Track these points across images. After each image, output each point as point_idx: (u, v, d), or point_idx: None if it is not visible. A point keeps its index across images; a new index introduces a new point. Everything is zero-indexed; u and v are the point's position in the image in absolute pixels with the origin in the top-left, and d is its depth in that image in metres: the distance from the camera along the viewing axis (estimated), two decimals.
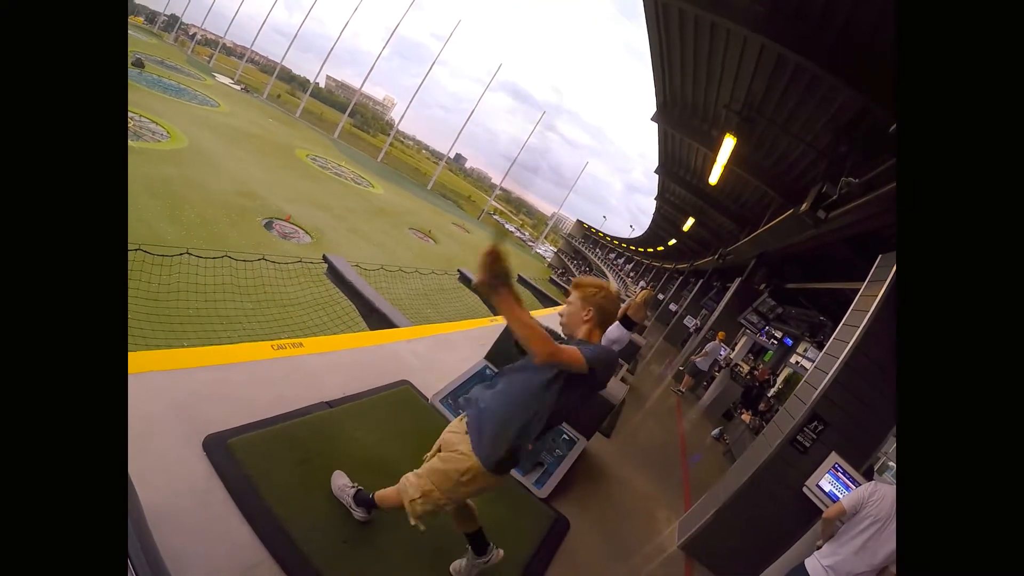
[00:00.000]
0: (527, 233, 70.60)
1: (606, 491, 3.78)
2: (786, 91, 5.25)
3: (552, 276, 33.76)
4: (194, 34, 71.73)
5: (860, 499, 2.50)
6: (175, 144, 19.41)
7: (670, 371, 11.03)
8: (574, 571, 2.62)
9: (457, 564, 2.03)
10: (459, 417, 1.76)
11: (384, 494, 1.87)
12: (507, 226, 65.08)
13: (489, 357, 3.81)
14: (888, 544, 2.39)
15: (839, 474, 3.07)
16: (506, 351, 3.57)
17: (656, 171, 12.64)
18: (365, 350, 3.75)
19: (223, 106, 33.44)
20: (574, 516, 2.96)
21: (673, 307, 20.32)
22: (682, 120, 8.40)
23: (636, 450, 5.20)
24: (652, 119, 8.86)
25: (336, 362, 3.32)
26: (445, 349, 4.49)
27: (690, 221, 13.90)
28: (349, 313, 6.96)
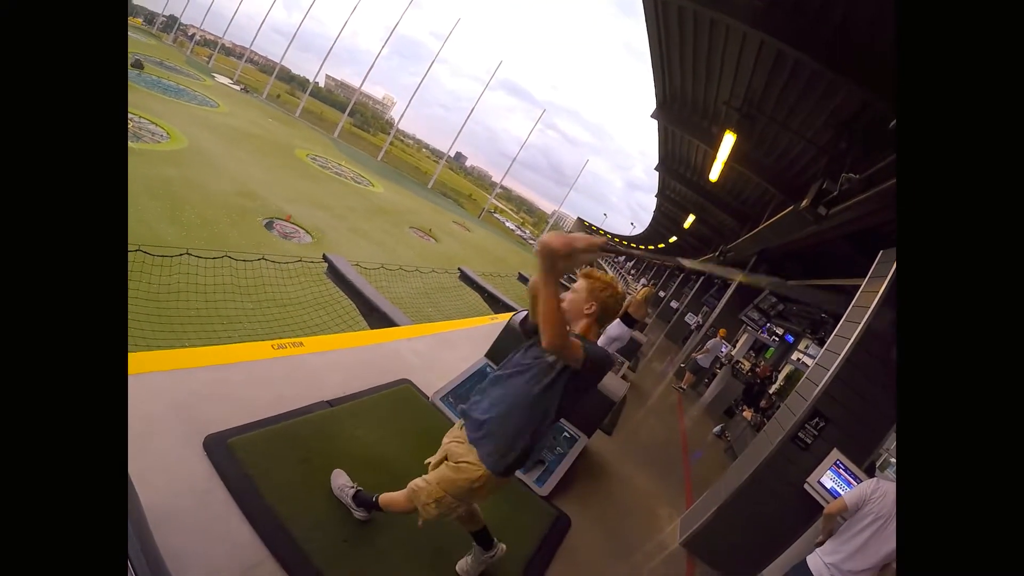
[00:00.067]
0: (528, 231, 70.53)
1: (607, 488, 3.78)
2: (786, 87, 5.23)
3: None
4: (193, 34, 71.67)
5: (862, 496, 2.50)
6: (175, 145, 19.40)
7: (671, 368, 11.03)
8: (575, 568, 2.62)
9: (463, 563, 2.04)
10: (459, 424, 1.74)
11: (391, 499, 1.86)
12: (507, 224, 65.03)
13: (489, 355, 3.81)
14: (890, 542, 2.38)
15: (841, 471, 3.06)
16: (506, 349, 3.57)
17: (656, 168, 12.62)
18: (365, 349, 3.75)
19: (223, 106, 33.41)
20: (575, 514, 2.96)
21: (674, 304, 20.31)
22: (682, 117, 8.38)
23: (637, 447, 5.20)
24: (652, 116, 8.84)
25: (336, 361, 3.32)
26: (446, 347, 4.49)
27: (691, 218, 13.88)
28: (350, 312, 6.95)
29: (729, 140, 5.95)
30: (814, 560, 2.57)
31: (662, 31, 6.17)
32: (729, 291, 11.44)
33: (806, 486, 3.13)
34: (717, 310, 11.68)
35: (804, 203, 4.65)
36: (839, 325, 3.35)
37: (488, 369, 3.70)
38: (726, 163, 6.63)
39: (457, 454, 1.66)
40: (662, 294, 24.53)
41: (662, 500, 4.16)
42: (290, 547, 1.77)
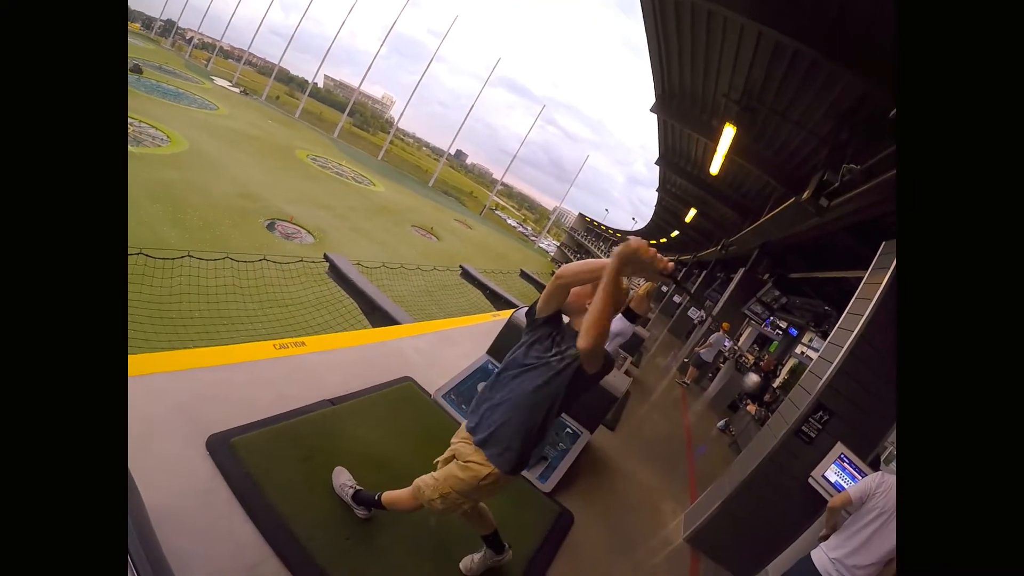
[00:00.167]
0: (529, 228, 70.43)
1: (610, 484, 3.78)
2: (785, 78, 5.19)
3: (554, 270, 33.67)
4: (191, 38, 71.76)
5: (867, 489, 2.48)
6: (175, 148, 19.46)
7: (675, 363, 11.01)
8: (579, 565, 2.62)
9: (468, 560, 2.05)
10: (465, 424, 1.76)
11: (395, 497, 1.87)
12: (509, 221, 64.96)
13: (491, 352, 3.81)
14: (895, 537, 2.37)
15: (845, 464, 3.05)
16: (508, 345, 3.57)
17: (657, 163, 12.56)
18: (367, 347, 3.75)
19: (222, 109, 33.47)
20: (578, 510, 2.96)
21: (677, 299, 20.27)
22: (681, 111, 8.33)
23: (641, 443, 5.19)
24: (651, 110, 8.79)
25: (338, 360, 3.33)
26: (447, 345, 4.49)
27: (692, 212, 13.82)
28: (351, 311, 6.97)
29: (729, 133, 5.92)
30: (818, 555, 2.56)
31: (660, 24, 6.12)
32: (732, 284, 11.39)
33: (810, 480, 3.12)
34: (719, 304, 11.64)
35: (805, 195, 4.62)
36: (842, 317, 3.34)
37: (490, 366, 3.70)
38: (726, 156, 6.59)
39: (464, 453, 1.68)
40: (665, 289, 24.47)
41: (666, 496, 4.15)
42: (292, 546, 1.78)
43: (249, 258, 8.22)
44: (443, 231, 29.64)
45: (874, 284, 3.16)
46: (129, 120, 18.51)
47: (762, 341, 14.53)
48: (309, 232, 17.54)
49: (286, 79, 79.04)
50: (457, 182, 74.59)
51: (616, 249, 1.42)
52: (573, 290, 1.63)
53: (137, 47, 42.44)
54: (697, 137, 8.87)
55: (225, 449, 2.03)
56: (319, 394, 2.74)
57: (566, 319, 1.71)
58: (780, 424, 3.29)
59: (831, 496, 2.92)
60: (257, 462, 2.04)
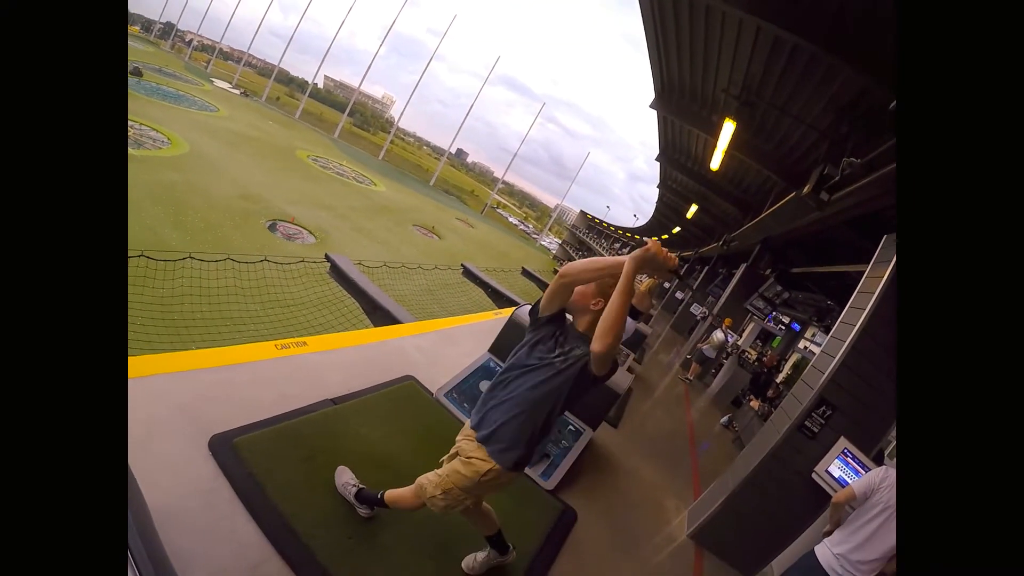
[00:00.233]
0: (531, 226, 70.38)
1: (613, 482, 3.77)
2: (784, 73, 5.17)
3: (556, 268, 33.68)
4: (190, 40, 71.86)
5: (870, 484, 2.48)
6: (176, 150, 19.51)
7: (678, 359, 11.00)
8: (582, 563, 2.62)
9: (470, 559, 2.05)
10: (469, 423, 1.77)
11: (397, 495, 1.87)
12: (510, 219, 64.90)
13: (493, 350, 3.82)
14: None
15: (848, 459, 3.04)
16: (510, 344, 3.57)
17: (657, 159, 12.53)
18: (369, 347, 3.76)
19: (222, 110, 33.51)
20: (581, 507, 2.96)
21: (680, 295, 20.23)
22: (681, 106, 8.30)
23: (644, 440, 5.19)
24: (651, 106, 8.77)
25: (340, 359, 3.33)
26: (449, 344, 4.50)
27: (693, 208, 13.80)
28: (353, 311, 6.98)
29: (729, 128, 5.90)
30: (822, 550, 2.56)
31: (658, 19, 6.10)
32: (734, 280, 11.37)
33: (814, 475, 3.11)
34: (722, 300, 11.62)
35: (806, 189, 4.59)
36: (844, 312, 3.32)
37: (492, 364, 3.70)
38: (727, 151, 6.57)
39: (467, 450, 1.69)
40: (667, 285, 24.43)
41: (669, 492, 4.15)
42: (295, 545, 1.79)
43: (250, 259, 8.24)
44: (445, 230, 29.66)
45: (876, 278, 3.15)
46: (129, 123, 18.55)
47: (765, 337, 14.50)
48: (311, 232, 17.57)
49: (286, 80, 79.06)
50: (458, 181, 74.59)
51: (634, 253, 1.42)
52: (577, 289, 1.62)
53: (137, 50, 42.53)
54: (697, 133, 8.84)
55: (227, 449, 2.04)
56: (321, 394, 2.75)
57: (569, 318, 1.71)
58: (783, 419, 3.29)
59: (835, 491, 2.92)
60: (259, 462, 2.04)
